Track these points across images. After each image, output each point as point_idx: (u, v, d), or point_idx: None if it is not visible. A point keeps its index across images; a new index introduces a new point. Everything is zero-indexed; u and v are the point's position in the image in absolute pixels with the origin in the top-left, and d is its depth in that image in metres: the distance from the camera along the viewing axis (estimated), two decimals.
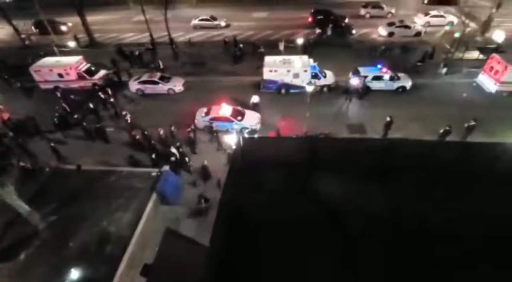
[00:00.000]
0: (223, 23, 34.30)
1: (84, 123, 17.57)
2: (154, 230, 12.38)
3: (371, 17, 34.27)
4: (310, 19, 32.18)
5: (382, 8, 34.85)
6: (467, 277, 3.92)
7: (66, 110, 19.22)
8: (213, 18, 34.42)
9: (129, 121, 18.11)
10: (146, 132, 16.55)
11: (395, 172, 5.51)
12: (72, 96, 20.42)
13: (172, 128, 16.78)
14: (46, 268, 10.55)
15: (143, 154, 16.28)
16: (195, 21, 34.55)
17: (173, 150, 14.98)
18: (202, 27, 34.23)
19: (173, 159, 14.61)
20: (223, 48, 27.89)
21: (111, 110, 20.20)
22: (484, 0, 33.85)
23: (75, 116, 18.40)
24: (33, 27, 33.79)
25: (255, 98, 19.18)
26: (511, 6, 35.40)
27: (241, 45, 26.93)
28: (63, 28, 34.40)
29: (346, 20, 32.29)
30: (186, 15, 36.37)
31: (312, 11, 33.04)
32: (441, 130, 15.66)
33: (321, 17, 31.98)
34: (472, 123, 15.85)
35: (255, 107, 19.07)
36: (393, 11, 34.64)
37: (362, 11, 35.03)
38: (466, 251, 4.08)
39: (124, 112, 18.40)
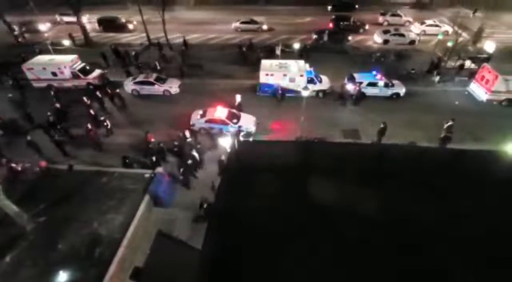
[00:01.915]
0: (264, 27, 33.95)
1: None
2: (146, 232, 12.21)
3: (389, 25, 34.63)
4: (331, 25, 32.55)
5: (400, 16, 35.59)
6: (460, 276, 3.95)
7: (59, 109, 18.92)
8: (254, 22, 34.09)
9: (108, 126, 17.44)
10: (92, 131, 16.36)
11: (388, 176, 5.57)
12: (86, 99, 19.32)
13: (187, 133, 16.51)
14: (33, 271, 10.26)
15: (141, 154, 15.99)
16: (236, 24, 34.15)
17: (194, 153, 14.72)
18: (243, 30, 33.84)
19: (190, 162, 14.30)
20: (238, 52, 27.51)
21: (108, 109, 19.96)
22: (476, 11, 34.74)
23: (59, 127, 17.50)
24: (97, 24, 33.50)
25: (238, 98, 19.29)
26: (501, 18, 36.49)
27: (244, 49, 27.06)
28: (130, 26, 34.21)
29: (367, 27, 33.06)
30: (183, 16, 36.44)
31: (333, 17, 33.64)
32: (442, 135, 15.92)
33: (342, 23, 32.62)
34: (450, 123, 16.37)
35: (239, 106, 19.12)
36: (410, 19, 35.23)
37: (380, 19, 35.69)
38: (457, 251, 4.12)
39: (102, 118, 17.58)
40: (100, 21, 33.73)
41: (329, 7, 39.95)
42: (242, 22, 34.09)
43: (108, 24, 33.07)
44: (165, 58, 26.86)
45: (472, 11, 32.25)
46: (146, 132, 16.04)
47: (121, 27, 33.35)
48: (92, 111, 18.15)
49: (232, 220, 4.91)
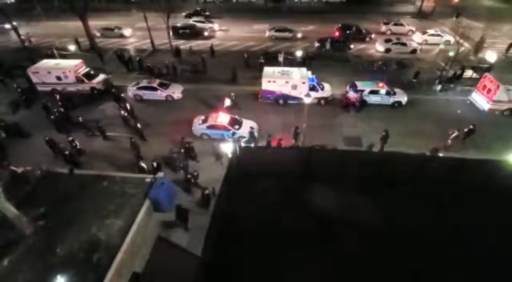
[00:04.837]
0: (299, 35, 34.19)
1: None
2: (145, 237, 12.13)
3: (392, 34, 35.04)
4: (337, 34, 32.78)
5: (403, 25, 36.11)
6: None
7: (63, 111, 19.10)
8: (289, 30, 34.21)
9: (76, 148, 16.28)
10: (133, 140, 16.24)
11: (389, 185, 5.53)
12: (123, 112, 19.03)
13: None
14: (31, 275, 10.18)
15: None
16: (271, 32, 34.23)
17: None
18: (277, 38, 33.96)
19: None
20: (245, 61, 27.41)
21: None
22: (478, 22, 35.05)
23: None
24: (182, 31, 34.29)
25: (227, 102, 19.37)
26: (503, 28, 36.78)
27: (245, 55, 27.22)
28: (205, 33, 35.11)
29: (373, 36, 33.53)
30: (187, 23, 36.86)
31: (340, 25, 34.02)
32: (466, 129, 16.86)
33: (348, 31, 32.95)
34: (456, 133, 16.65)
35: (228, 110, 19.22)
36: (413, 28, 35.63)
37: (383, 28, 36.26)
38: (459, 263, 4.05)
39: (70, 138, 16.33)
40: (175, 28, 34.09)
41: (184, 14, 40.52)
42: (277, 30, 34.19)
43: (183, 31, 33.92)
44: (196, 65, 26.62)
45: (455, 16, 33.92)
46: (182, 137, 16.21)
47: (197, 34, 34.13)
48: (139, 125, 17.70)
49: (231, 228, 4.88)
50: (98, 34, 34.30)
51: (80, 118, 18.32)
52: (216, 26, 37.05)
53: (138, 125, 17.70)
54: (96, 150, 17.23)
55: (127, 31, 35.02)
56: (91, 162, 16.20)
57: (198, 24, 36.02)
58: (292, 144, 16.76)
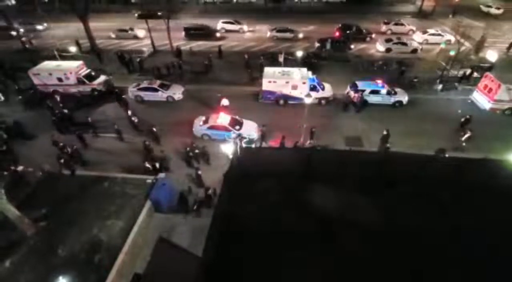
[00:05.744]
0: (300, 35, 34.46)
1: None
2: (146, 238, 12.15)
3: (392, 33, 35.03)
4: (337, 34, 32.65)
5: (403, 25, 36.14)
6: None
7: (66, 112, 19.17)
8: (290, 30, 34.40)
9: (70, 153, 15.68)
10: (147, 142, 16.27)
11: (390, 185, 5.52)
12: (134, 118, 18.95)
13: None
14: (33, 276, 10.23)
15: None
16: (272, 33, 34.40)
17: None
18: (279, 39, 34.13)
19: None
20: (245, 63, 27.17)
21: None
22: (478, 21, 35.03)
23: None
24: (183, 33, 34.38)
25: (224, 102, 19.46)
26: (503, 27, 36.70)
27: (245, 56, 27.27)
28: (217, 34, 35.24)
29: (373, 36, 33.48)
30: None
31: (340, 25, 33.96)
32: (462, 119, 17.95)
33: (348, 31, 32.88)
34: (469, 134, 16.77)
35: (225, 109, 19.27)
36: (414, 28, 35.62)
37: (384, 28, 36.26)
38: (459, 263, 4.05)
39: (61, 144, 15.92)
40: (187, 29, 34.20)
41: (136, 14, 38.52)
42: (278, 31, 34.36)
43: (195, 32, 34.08)
44: (206, 65, 26.50)
45: (452, 15, 35.13)
46: (192, 143, 16.30)
47: (209, 35, 34.24)
48: (154, 129, 17.55)
49: (232, 228, 4.89)
50: (113, 36, 34.49)
51: (89, 119, 18.41)
52: (245, 27, 37.09)
53: (154, 129, 17.63)
54: (101, 150, 17.32)
55: (140, 32, 35.10)
56: (95, 162, 16.25)
57: (227, 26, 36.50)
58: (307, 143, 16.99)
